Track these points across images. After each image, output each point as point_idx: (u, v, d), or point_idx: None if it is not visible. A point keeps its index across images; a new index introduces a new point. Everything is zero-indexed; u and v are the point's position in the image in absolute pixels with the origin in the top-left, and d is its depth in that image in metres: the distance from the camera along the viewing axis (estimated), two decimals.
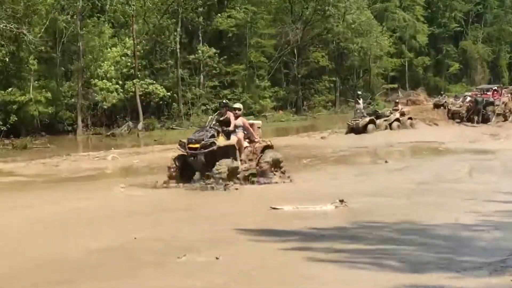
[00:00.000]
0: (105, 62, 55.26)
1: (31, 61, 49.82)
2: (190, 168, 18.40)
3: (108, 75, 54.70)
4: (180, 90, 61.32)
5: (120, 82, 55.47)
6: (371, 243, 10.36)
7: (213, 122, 18.68)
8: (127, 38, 58.40)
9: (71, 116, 54.90)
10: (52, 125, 54.05)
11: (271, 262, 9.10)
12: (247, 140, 19.25)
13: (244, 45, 71.76)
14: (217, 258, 9.15)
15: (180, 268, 8.73)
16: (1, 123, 45.72)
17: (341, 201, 14.13)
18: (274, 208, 13.62)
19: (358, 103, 43.49)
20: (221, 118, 18.91)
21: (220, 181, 17.27)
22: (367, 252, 9.70)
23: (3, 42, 48.22)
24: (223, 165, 17.42)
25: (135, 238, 10.67)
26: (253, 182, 18.61)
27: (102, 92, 53.99)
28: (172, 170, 18.33)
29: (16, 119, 46.73)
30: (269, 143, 19.93)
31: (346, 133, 40.90)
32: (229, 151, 18.22)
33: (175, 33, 61.88)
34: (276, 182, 18.73)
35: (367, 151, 31.52)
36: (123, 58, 56.69)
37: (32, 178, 23.47)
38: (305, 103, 77.85)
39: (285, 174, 19.81)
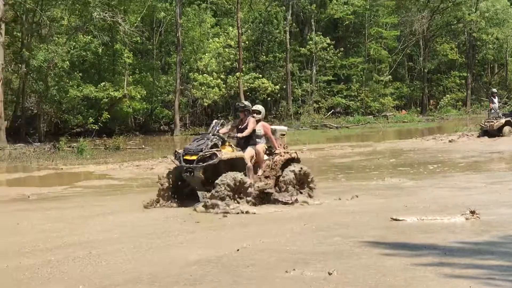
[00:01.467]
0: (206, 54, 55.53)
1: (126, 54, 50.40)
2: (188, 186, 16.08)
3: (209, 69, 54.90)
4: (289, 85, 61.00)
5: (222, 77, 55.60)
6: (510, 260, 9.76)
7: (217, 128, 15.72)
8: (230, 28, 58.61)
9: (168, 114, 55.49)
10: (147, 124, 55.28)
11: (394, 279, 8.63)
12: (267, 152, 16.78)
13: (363, 36, 70.99)
14: (329, 274, 8.79)
15: (288, 284, 8.46)
16: (93, 121, 46.46)
17: (472, 212, 13.38)
18: (395, 220, 13.09)
19: (493, 102, 41.89)
20: (240, 126, 16.20)
21: (223, 200, 14.73)
22: (507, 269, 9.20)
23: (96, 33, 48.83)
24: (227, 179, 14.83)
25: (238, 250, 10.44)
26: (271, 201, 16.28)
27: (202, 88, 54.30)
28: (163, 187, 15.77)
29: (109, 117, 47.21)
30: (294, 155, 17.02)
31: (479, 136, 39.31)
32: (236, 166, 15.50)
33: (285, 22, 61.55)
34: (294, 202, 16.25)
35: (502, 157, 30.02)
36: (226, 49, 56.87)
37: (125, 182, 23.59)
38: (431, 101, 76.11)
39: (312, 192, 17.07)
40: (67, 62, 45.19)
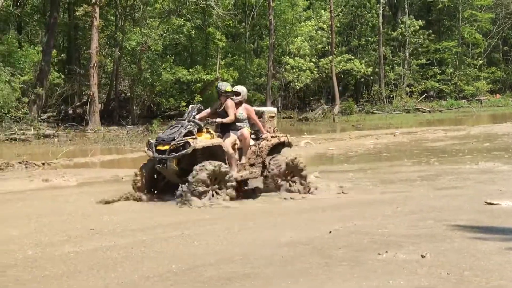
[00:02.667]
0: (298, 37, 53.82)
1: (219, 37, 49.13)
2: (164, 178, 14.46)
3: (301, 52, 53.20)
4: (382, 69, 58.98)
5: (314, 60, 54.02)
6: None
7: (194, 113, 13.97)
8: (322, 11, 56.92)
9: (260, 97, 54.06)
10: None
11: (488, 263, 8.17)
12: (252, 136, 14.77)
13: (457, 19, 67.85)
14: (423, 256, 8.48)
15: (380, 266, 8.19)
16: (185, 104, 45.35)
17: None
18: (489, 204, 12.40)
19: None
20: (218, 109, 14.53)
21: (199, 190, 13.11)
22: None
23: (189, 16, 48.05)
24: (204, 168, 13.21)
25: (330, 232, 10.17)
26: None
27: (294, 71, 52.75)
28: (137, 184, 14.09)
29: (201, 100, 45.97)
30: (283, 139, 14.93)
31: None
32: (216, 154, 13.84)
33: (377, 5, 59.28)
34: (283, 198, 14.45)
35: None
36: (318, 32, 55.19)
37: None
38: None
39: (306, 184, 15.13)
40: (160, 45, 44.78)
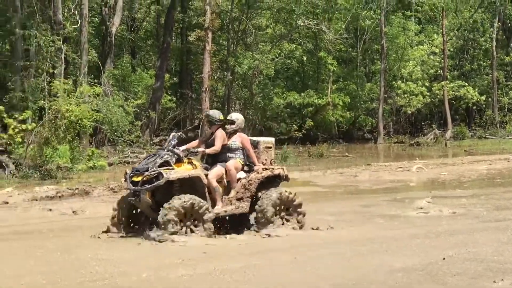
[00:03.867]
0: (410, 62, 51.67)
1: (330, 61, 47.68)
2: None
3: (413, 77, 51.00)
4: (495, 94, 55.89)
5: (427, 84, 51.56)
6: None
7: (173, 142, 12.46)
8: (435, 35, 54.31)
9: (371, 122, 52.71)
10: (350, 131, 52.78)
11: None
12: (245, 168, 13.13)
13: None
14: None
15: None
16: (297, 128, 44.64)
17: None
18: None
19: None
20: (208, 139, 13.02)
21: (170, 225, 11.60)
22: None
23: (300, 40, 47.30)
24: (175, 203, 11.68)
25: (444, 259, 9.84)
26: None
27: (406, 96, 50.46)
28: (114, 218, 12.67)
29: (312, 124, 44.81)
30: (278, 171, 13.15)
31: None
32: (195, 187, 12.28)
33: (491, 29, 56.17)
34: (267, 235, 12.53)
35: None
36: (430, 57, 52.67)
37: (329, 189, 22.93)
38: None
39: (302, 222, 13.29)
40: (272, 70, 43.64)
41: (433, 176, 26.43)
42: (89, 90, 31.11)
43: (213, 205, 12.29)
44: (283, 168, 13.31)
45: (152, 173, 11.79)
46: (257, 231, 12.58)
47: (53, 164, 26.09)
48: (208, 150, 12.60)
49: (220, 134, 12.65)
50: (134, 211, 12.68)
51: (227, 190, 12.70)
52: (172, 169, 11.88)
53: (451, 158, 36.77)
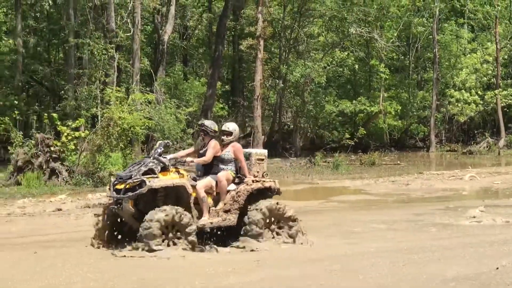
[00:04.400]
0: (463, 70, 50.51)
1: (382, 69, 46.62)
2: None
3: (466, 85, 49.77)
4: None
5: (479, 93, 50.29)
6: None
7: (159, 150, 11.72)
8: (488, 43, 53.02)
9: (423, 130, 51.54)
10: (402, 140, 51.76)
11: None
12: (236, 180, 12.35)
13: None
14: None
15: None
16: (348, 136, 43.69)
17: None
18: None
19: None
20: (201, 149, 12.22)
21: (152, 240, 10.85)
22: None
23: (352, 48, 46.37)
24: (159, 214, 10.91)
25: (497, 268, 9.52)
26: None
27: (459, 104, 49.31)
28: (98, 226, 11.97)
29: (364, 132, 43.96)
30: (268, 184, 12.33)
31: None
32: (180, 197, 11.54)
33: None
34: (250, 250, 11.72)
35: None
36: (484, 65, 51.32)
37: (380, 197, 22.69)
38: None
39: (295, 234, 12.42)
40: (324, 78, 42.63)
41: (486, 185, 26.04)
42: (141, 98, 30.94)
43: (201, 216, 11.64)
44: (274, 181, 12.54)
45: (135, 180, 11.13)
46: (239, 247, 11.78)
47: (105, 172, 25.80)
48: (196, 160, 12.01)
49: (213, 145, 11.98)
50: (118, 220, 11.90)
51: (215, 201, 12.02)
52: (157, 177, 11.22)
53: (504, 166, 36.24)
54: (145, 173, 11.22)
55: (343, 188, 25.45)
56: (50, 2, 32.53)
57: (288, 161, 37.67)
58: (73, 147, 26.13)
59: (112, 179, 11.93)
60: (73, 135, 25.87)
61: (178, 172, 11.53)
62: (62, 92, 35.55)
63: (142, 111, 29.46)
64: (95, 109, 32.17)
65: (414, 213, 17.53)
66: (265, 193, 12.35)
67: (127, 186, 11.16)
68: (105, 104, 30.66)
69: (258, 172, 12.42)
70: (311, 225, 14.75)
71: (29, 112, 39.33)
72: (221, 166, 12.04)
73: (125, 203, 11.14)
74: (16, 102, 36.55)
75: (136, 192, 11.02)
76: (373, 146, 45.90)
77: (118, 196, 11.23)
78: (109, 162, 26.92)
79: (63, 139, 25.56)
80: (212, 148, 11.88)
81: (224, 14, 41.74)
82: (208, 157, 11.85)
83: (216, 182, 11.87)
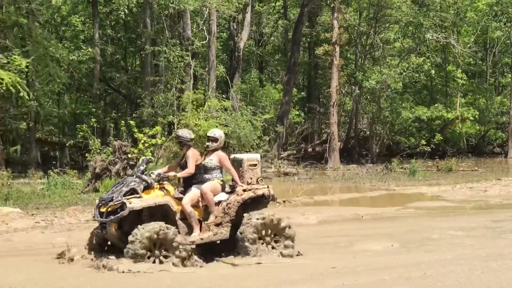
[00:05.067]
0: None
1: (459, 75, 44.83)
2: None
3: None
4: None
5: None
6: None
7: (142, 168, 11.12)
8: None
9: (501, 136, 49.76)
10: (479, 146, 50.11)
11: None
12: (227, 189, 11.66)
13: None
14: None
15: None
16: (425, 142, 42.09)
17: None
18: None
19: None
20: (180, 161, 11.65)
21: (138, 257, 10.25)
22: None
23: (428, 54, 44.92)
24: (141, 232, 10.29)
25: None
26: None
27: None
28: (87, 246, 11.30)
29: (441, 138, 42.43)
30: (262, 191, 11.55)
31: None
32: (167, 214, 10.89)
33: None
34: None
35: None
36: None
37: (458, 204, 21.91)
38: None
39: (291, 246, 11.54)
40: (400, 84, 41.32)
41: None
42: (217, 105, 30.67)
43: (191, 232, 10.95)
44: (268, 187, 11.70)
45: (115, 203, 10.49)
46: (225, 262, 11.03)
47: None
48: (180, 174, 11.29)
49: (191, 154, 11.31)
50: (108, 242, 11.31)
51: (205, 215, 11.28)
52: (139, 197, 10.61)
53: None
54: (127, 194, 10.61)
55: (420, 195, 24.79)
56: (127, 10, 31.91)
57: (364, 168, 36.86)
58: (150, 154, 25.68)
59: (97, 201, 11.13)
60: (150, 142, 25.63)
61: (163, 188, 10.96)
62: (139, 99, 35.34)
63: (218, 118, 29.25)
64: (171, 116, 31.86)
65: (492, 219, 17.06)
66: (259, 200, 11.62)
67: (109, 209, 10.53)
68: (181, 111, 30.54)
69: (251, 178, 11.66)
70: (388, 232, 14.81)
71: (106, 119, 39.61)
72: (206, 175, 11.34)
73: (109, 226, 10.55)
74: (94, 109, 36.67)
75: (117, 215, 10.43)
76: (450, 152, 44.46)
77: (101, 220, 10.65)
78: None
79: (140, 146, 25.50)
80: (191, 157, 11.24)
81: (300, 21, 40.89)
82: (190, 168, 11.17)
83: (202, 194, 11.18)
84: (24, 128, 35.22)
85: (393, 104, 42.72)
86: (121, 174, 23.77)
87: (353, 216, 18.56)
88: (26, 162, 33.42)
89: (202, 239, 10.94)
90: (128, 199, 10.43)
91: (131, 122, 26.97)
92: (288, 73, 40.86)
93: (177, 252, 10.43)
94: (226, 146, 34.28)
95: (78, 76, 36.49)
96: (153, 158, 11.99)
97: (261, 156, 33.19)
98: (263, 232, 11.27)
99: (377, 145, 42.91)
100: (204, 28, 36.00)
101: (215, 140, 11.51)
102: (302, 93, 45.68)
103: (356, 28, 42.60)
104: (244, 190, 11.36)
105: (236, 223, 11.18)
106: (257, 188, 11.49)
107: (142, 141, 25.23)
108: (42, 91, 36.18)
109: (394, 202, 22.54)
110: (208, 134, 11.69)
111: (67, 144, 33.88)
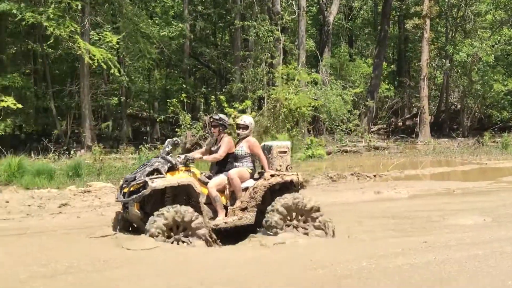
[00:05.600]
0: None
1: None
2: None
3: None
4: None
5: None
6: None
7: (167, 149, 10.60)
8: None
9: None
10: None
11: None
12: (256, 175, 11.11)
13: None
14: None
15: None
16: None
17: None
18: None
19: None
20: (214, 146, 11.06)
21: (158, 237, 9.77)
22: None
23: None
24: (164, 214, 9.85)
25: None
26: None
27: None
28: (113, 227, 10.85)
29: None
30: (290, 177, 10.95)
31: None
32: (190, 195, 10.50)
33: None
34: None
35: None
36: None
37: None
38: None
39: (324, 228, 10.89)
40: (492, 57, 39.62)
41: None
42: (307, 79, 30.31)
43: (216, 216, 10.56)
44: (297, 174, 11.14)
45: (138, 182, 10.12)
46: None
47: None
48: (206, 157, 10.96)
49: (226, 140, 10.86)
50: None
51: (232, 201, 10.82)
52: (163, 177, 10.19)
53: None
54: (150, 174, 10.25)
55: (509, 170, 23.92)
56: None
57: (455, 142, 35.93)
58: None
59: (121, 181, 10.80)
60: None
61: (189, 171, 10.54)
62: (229, 74, 35.09)
63: (307, 92, 28.83)
64: (261, 90, 31.77)
65: None
66: (288, 188, 11.07)
67: (131, 189, 10.16)
68: (271, 86, 30.33)
69: (280, 165, 11.17)
70: (479, 206, 14.28)
71: (196, 94, 39.70)
72: (235, 163, 10.91)
73: (131, 206, 10.17)
74: (184, 85, 36.38)
75: (139, 194, 10.04)
76: None
77: (122, 199, 10.27)
78: None
79: (231, 121, 24.81)
80: (226, 145, 10.78)
81: None
82: (220, 154, 10.75)
83: (229, 179, 10.75)
84: (116, 104, 35.79)
85: (484, 77, 41.08)
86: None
87: (444, 190, 18.06)
88: (117, 138, 33.99)
89: (226, 223, 10.57)
90: (151, 179, 10.08)
91: (221, 97, 26.90)
92: (377, 47, 40.28)
93: (198, 232, 10.01)
94: (316, 120, 33.90)
95: (168, 52, 36.48)
96: (179, 140, 11.73)
97: (351, 130, 33.15)
98: (291, 216, 10.79)
99: (468, 118, 41.75)
100: (293, 3, 35.60)
101: (245, 127, 11.03)
102: (392, 66, 44.88)
103: (446, 0, 41.38)
104: (272, 176, 10.88)
105: (264, 210, 10.74)
106: (285, 174, 11.01)
107: (233, 116, 25.00)
108: (133, 67, 36.51)
109: (486, 176, 21.85)
110: (238, 122, 11.19)
111: (157, 120, 34.16)
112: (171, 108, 26.67)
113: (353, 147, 31.52)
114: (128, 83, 33.81)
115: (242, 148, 10.92)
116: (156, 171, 10.24)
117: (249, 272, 8.26)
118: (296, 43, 35.63)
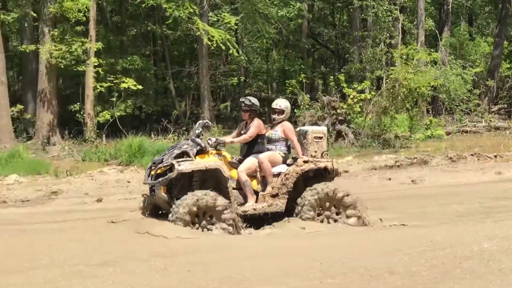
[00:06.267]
0: None
1: None
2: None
3: None
4: None
5: None
6: None
7: (197, 131, 10.15)
8: None
9: None
10: None
11: None
12: (289, 161, 10.53)
13: None
14: None
15: None
16: None
17: None
18: None
19: None
20: (243, 130, 10.51)
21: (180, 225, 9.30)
22: None
23: None
24: (185, 201, 9.33)
25: None
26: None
27: None
28: (142, 209, 10.41)
29: None
30: (324, 164, 10.36)
31: None
32: (219, 180, 9.91)
33: None
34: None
35: None
36: None
37: None
38: None
39: (354, 216, 10.27)
40: None
41: None
42: (426, 58, 29.38)
43: (246, 201, 10.13)
44: (331, 161, 10.58)
45: (165, 165, 9.73)
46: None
47: (391, 133, 25.00)
48: (237, 139, 10.46)
49: (256, 123, 10.34)
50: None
51: (263, 186, 10.33)
52: (191, 160, 9.71)
53: None
54: (179, 156, 9.79)
55: None
56: None
57: None
58: (359, 109, 25.31)
59: (150, 163, 10.47)
60: (358, 98, 25.02)
61: (219, 155, 10.08)
62: (347, 54, 34.42)
63: (427, 72, 27.83)
64: (380, 71, 31.03)
65: None
66: (323, 175, 10.55)
67: (158, 171, 9.80)
68: (390, 66, 29.64)
69: (316, 152, 10.55)
70: None
71: (314, 74, 39.15)
72: (268, 146, 10.49)
73: (157, 189, 9.78)
74: (302, 65, 35.93)
75: (166, 177, 9.64)
76: None
77: (149, 182, 10.00)
78: (394, 124, 26.01)
79: (349, 101, 25.05)
80: (255, 126, 10.29)
81: None
82: (249, 134, 10.27)
83: (259, 163, 10.25)
84: (234, 84, 35.76)
85: None
86: (330, 129, 23.59)
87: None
88: (236, 118, 33.85)
89: (255, 209, 10.10)
90: (178, 161, 9.66)
91: (340, 77, 26.42)
92: (499, 25, 38.31)
93: (223, 216, 9.50)
94: (435, 100, 32.81)
95: (287, 32, 36.10)
96: (210, 122, 11.58)
97: (471, 110, 31.87)
98: (322, 207, 10.17)
99: None
100: None
101: (281, 112, 10.56)
102: None
103: None
104: (305, 162, 10.34)
105: (296, 198, 10.21)
106: (319, 161, 10.45)
107: (351, 97, 24.70)
108: (251, 47, 36.32)
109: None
110: (273, 106, 10.69)
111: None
112: (290, 88, 26.46)
113: (473, 127, 30.46)
114: (246, 64, 33.74)
115: (276, 132, 10.50)
116: (185, 153, 9.83)
117: (369, 254, 8.00)
118: (415, 22, 34.67)
